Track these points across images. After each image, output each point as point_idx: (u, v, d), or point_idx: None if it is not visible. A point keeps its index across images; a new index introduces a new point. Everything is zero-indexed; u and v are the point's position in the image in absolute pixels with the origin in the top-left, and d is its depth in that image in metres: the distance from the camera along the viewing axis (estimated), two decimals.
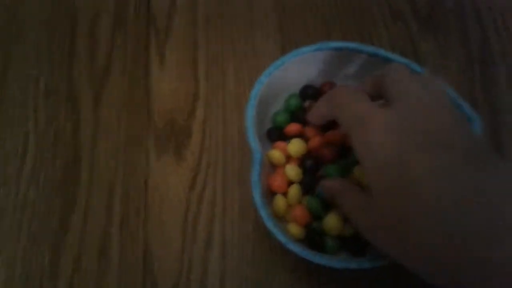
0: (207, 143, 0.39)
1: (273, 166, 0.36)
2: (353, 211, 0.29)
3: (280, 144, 0.36)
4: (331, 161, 0.35)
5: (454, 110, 0.27)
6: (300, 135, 0.37)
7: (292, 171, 0.34)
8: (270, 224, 0.30)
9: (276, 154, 0.35)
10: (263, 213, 0.31)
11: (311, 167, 0.35)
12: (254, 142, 0.34)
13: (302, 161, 0.35)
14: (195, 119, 0.40)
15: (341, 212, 0.34)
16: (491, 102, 0.40)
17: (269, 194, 0.35)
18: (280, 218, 0.34)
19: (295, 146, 0.35)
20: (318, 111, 0.33)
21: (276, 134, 0.37)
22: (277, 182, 0.34)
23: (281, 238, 0.30)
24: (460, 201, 0.23)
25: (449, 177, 0.23)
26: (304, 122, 0.37)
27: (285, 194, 0.35)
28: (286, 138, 0.37)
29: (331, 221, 0.33)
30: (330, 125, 0.35)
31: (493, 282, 0.22)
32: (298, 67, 0.38)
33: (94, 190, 0.38)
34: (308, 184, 0.35)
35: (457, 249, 0.23)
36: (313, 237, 0.33)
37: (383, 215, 0.25)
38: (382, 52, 0.36)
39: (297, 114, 0.38)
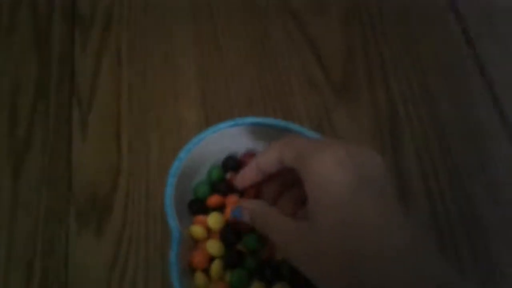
0: (129, 217, 0.39)
1: (195, 241, 0.36)
2: (287, 238, 0.29)
3: (201, 218, 0.37)
4: (249, 230, 0.36)
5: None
6: (222, 207, 0.38)
7: (213, 247, 0.35)
8: None
9: (196, 229, 0.36)
10: None
11: (231, 242, 0.36)
12: (173, 221, 0.34)
13: (222, 234, 0.36)
14: (117, 192, 0.40)
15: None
16: (399, 167, 0.42)
17: (191, 269, 0.35)
18: None
19: (214, 220, 0.36)
20: (264, 159, 0.32)
21: (197, 206, 0.38)
22: (197, 258, 0.35)
23: None
24: (403, 251, 0.25)
25: (392, 222, 0.26)
26: (225, 194, 0.38)
27: (207, 269, 0.35)
28: (208, 210, 0.38)
29: None
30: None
31: None
32: (219, 141, 0.39)
33: (11, 270, 0.37)
34: (230, 259, 0.35)
35: None
36: None
37: (329, 246, 0.26)
38: (292, 126, 0.38)
39: (218, 186, 0.38)
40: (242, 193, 0.37)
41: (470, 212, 0.40)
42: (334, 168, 0.27)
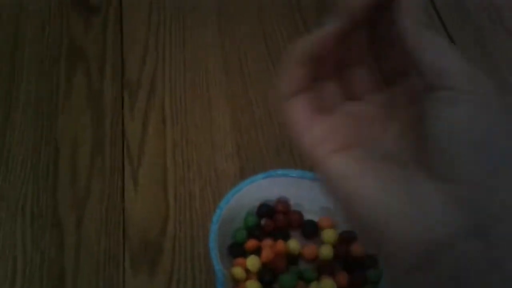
0: (177, 259, 0.45)
1: (235, 281, 0.42)
2: None
3: (240, 260, 0.42)
4: (284, 270, 0.41)
5: None
6: (258, 250, 0.43)
7: (252, 287, 0.40)
8: None
9: (237, 271, 0.41)
10: None
11: (268, 282, 0.41)
12: (217, 264, 0.40)
13: (260, 275, 0.41)
14: (166, 237, 0.46)
15: None
16: None
17: None
18: None
19: (252, 262, 0.41)
20: None
21: (236, 250, 0.43)
22: None
23: None
24: None
25: None
26: (260, 238, 0.44)
27: None
28: (246, 253, 0.43)
29: None
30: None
31: None
32: (254, 190, 0.44)
33: None
34: None
35: None
36: None
37: None
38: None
39: (254, 231, 0.44)
40: (276, 238, 0.43)
41: None
42: None
